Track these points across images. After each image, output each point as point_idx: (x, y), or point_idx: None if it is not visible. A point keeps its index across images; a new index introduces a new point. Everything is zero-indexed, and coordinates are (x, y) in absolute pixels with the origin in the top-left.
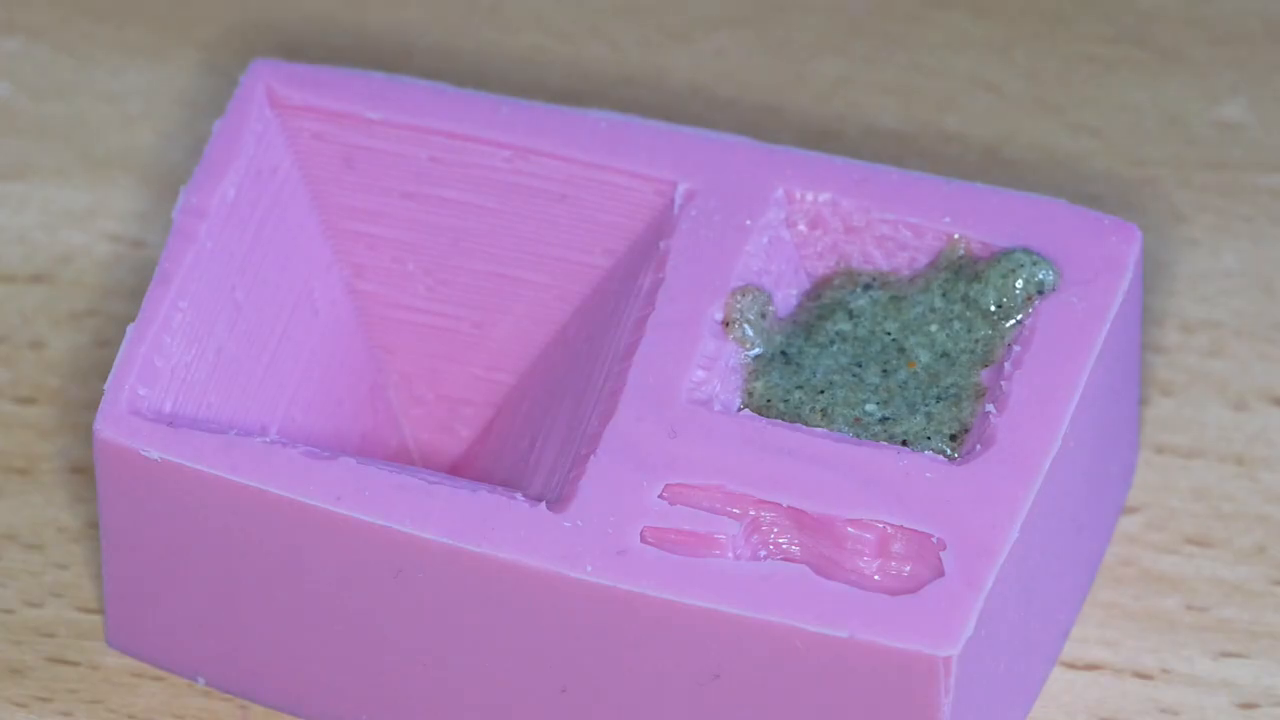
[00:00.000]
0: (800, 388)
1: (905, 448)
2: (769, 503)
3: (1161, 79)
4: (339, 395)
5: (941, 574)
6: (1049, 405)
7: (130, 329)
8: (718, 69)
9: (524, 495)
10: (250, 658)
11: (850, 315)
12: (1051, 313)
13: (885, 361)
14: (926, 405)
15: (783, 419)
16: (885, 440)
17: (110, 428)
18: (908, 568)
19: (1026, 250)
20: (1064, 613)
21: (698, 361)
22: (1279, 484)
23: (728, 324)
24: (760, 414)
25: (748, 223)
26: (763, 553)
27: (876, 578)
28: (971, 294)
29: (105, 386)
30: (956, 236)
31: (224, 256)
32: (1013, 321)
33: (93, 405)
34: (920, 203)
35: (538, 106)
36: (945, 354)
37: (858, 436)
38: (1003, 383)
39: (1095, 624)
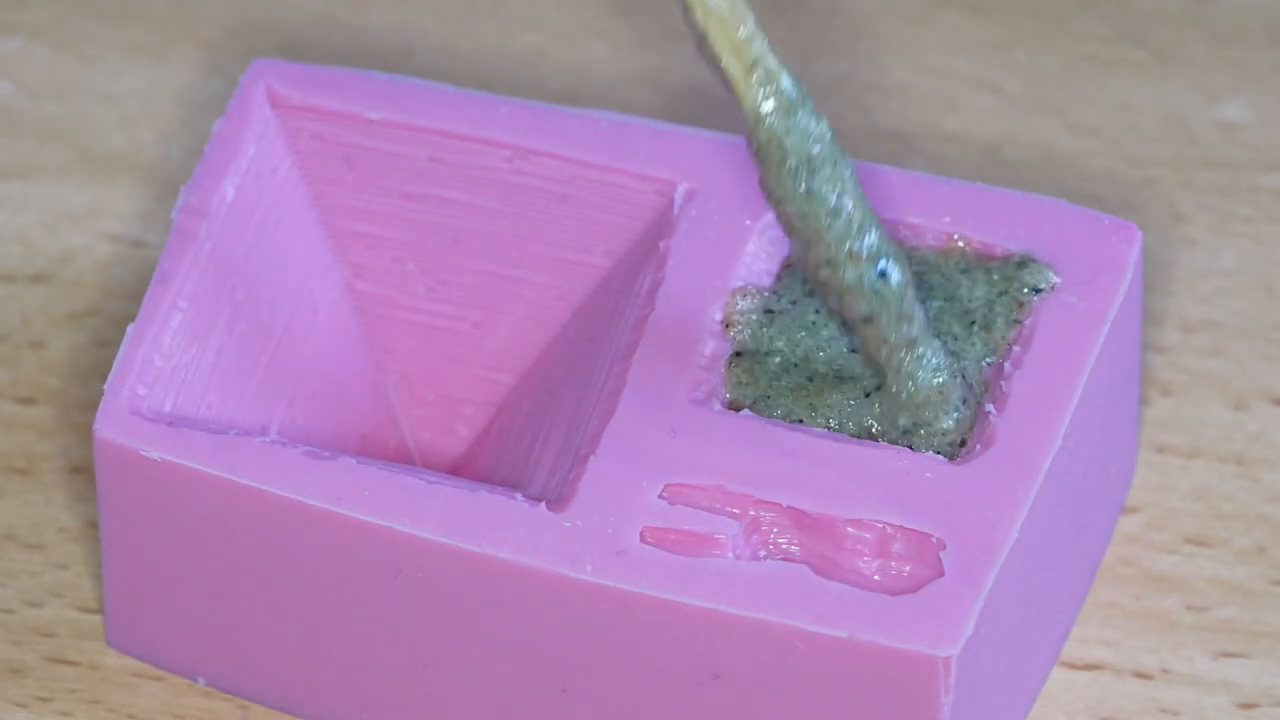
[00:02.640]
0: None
1: (905, 448)
2: (769, 503)
3: (1161, 79)
4: (339, 395)
5: (941, 574)
6: (1049, 405)
7: (130, 329)
8: None
9: (524, 495)
10: (250, 658)
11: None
12: (1051, 313)
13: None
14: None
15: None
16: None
17: (110, 428)
18: (908, 568)
19: (1023, 258)
20: (1064, 613)
21: (698, 361)
22: (1279, 484)
23: (728, 324)
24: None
25: (748, 223)
26: (763, 553)
27: (876, 578)
28: (966, 303)
29: (105, 386)
30: (956, 236)
31: (224, 256)
32: (1012, 322)
33: (93, 405)
34: (920, 203)
35: (538, 106)
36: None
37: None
38: (1003, 383)
39: (1095, 624)
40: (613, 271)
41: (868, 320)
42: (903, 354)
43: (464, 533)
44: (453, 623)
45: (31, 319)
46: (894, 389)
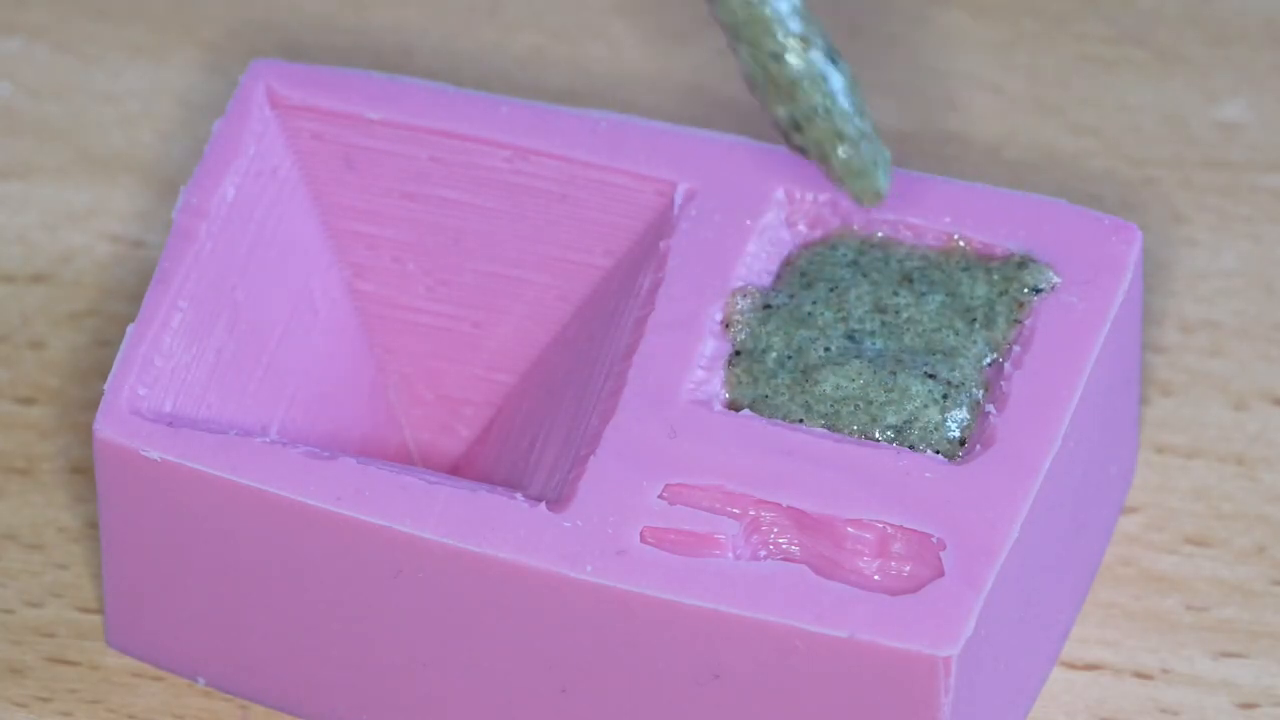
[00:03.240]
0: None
1: (905, 448)
2: (769, 503)
3: (1161, 79)
4: (339, 395)
5: (941, 574)
6: (1049, 405)
7: (130, 329)
8: (718, 69)
9: (524, 495)
10: (250, 658)
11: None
12: (1051, 313)
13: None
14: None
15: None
16: (889, 434)
17: (110, 428)
18: (908, 568)
19: (1023, 258)
20: (1064, 613)
21: (698, 361)
22: (1279, 484)
23: (728, 324)
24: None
25: (748, 223)
26: (763, 553)
27: (876, 578)
28: (967, 301)
29: (105, 386)
30: (956, 236)
31: (224, 256)
32: (1012, 322)
33: (93, 405)
34: (920, 203)
35: (538, 106)
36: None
37: (865, 432)
38: (1003, 383)
39: (1095, 624)
40: (613, 271)
41: (812, 115)
42: (852, 147)
43: (464, 533)
44: (453, 623)
45: (31, 319)
46: (838, 177)
